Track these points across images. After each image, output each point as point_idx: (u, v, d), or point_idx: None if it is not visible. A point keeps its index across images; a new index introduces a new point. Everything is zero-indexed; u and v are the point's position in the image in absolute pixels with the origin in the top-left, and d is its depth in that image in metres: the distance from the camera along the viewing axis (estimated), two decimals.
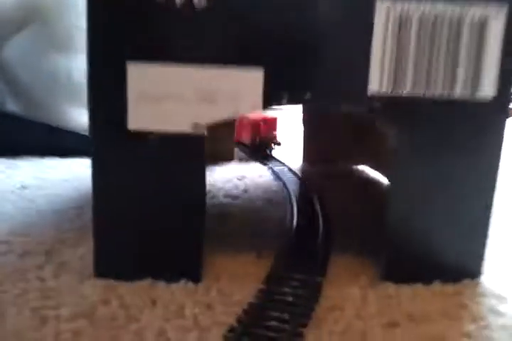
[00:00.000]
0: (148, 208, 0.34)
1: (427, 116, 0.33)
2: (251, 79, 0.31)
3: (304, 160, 0.72)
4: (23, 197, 0.52)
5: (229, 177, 0.63)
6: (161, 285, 0.33)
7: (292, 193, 0.55)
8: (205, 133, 0.32)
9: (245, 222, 0.47)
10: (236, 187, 0.58)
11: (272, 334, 0.28)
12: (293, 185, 0.59)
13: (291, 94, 0.32)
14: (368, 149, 0.67)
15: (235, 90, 0.32)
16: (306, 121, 0.72)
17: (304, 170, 0.68)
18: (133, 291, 0.32)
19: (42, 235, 0.41)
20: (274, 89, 0.32)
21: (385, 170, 0.60)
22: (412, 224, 0.35)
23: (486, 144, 0.33)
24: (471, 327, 0.30)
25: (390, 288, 0.34)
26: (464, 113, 0.33)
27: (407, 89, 0.32)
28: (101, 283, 0.33)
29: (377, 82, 0.32)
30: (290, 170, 0.67)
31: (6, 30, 0.78)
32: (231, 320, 0.29)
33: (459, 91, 0.32)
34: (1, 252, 0.38)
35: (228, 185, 0.59)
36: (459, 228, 0.35)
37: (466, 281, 0.35)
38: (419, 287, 0.34)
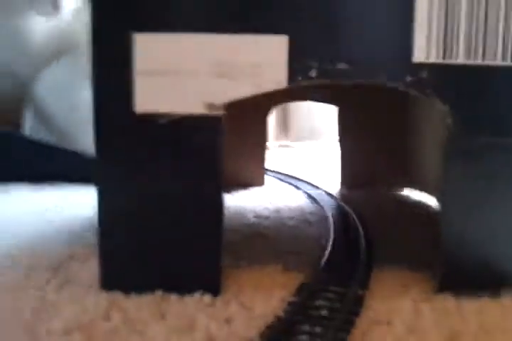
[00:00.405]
0: (159, 209, 0.30)
1: (484, 89, 0.28)
2: (274, 49, 0.28)
3: (341, 184, 0.68)
4: (44, 218, 0.50)
5: (260, 200, 0.59)
6: (173, 298, 0.28)
7: (328, 212, 0.50)
8: (223, 114, 0.28)
9: (276, 239, 0.42)
10: (267, 208, 0.54)
11: None
12: (329, 206, 0.54)
13: (321, 65, 0.28)
14: (412, 170, 0.62)
15: (255, 62, 0.28)
16: (343, 142, 0.68)
17: (342, 194, 0.63)
18: (140, 305, 0.28)
19: (52, 251, 0.38)
20: (300, 60, 0.28)
21: (432, 189, 0.55)
22: (469, 228, 0.29)
23: None
24: None
25: (449, 300, 0.28)
26: None
27: (459, 58, 0.28)
28: (106, 296, 0.29)
29: (423, 49, 0.27)
30: (326, 193, 0.62)
31: (38, 61, 0.80)
32: (252, 335, 0.24)
33: None
34: (7, 266, 0.35)
35: (259, 208, 0.54)
36: None
37: None
38: (485, 300, 0.28)
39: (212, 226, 0.30)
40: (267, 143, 0.70)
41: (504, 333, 0.24)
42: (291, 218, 0.49)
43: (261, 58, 0.28)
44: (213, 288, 0.29)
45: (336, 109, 0.67)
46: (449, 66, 0.28)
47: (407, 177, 0.64)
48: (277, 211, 0.52)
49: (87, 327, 0.25)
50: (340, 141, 0.67)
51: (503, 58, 0.27)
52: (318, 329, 0.24)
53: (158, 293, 0.29)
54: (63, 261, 0.36)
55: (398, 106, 0.63)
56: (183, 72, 0.28)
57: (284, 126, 1.37)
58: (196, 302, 0.28)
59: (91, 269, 0.33)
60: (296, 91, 0.65)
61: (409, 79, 0.28)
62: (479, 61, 0.27)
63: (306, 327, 0.25)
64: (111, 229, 0.30)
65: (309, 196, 0.61)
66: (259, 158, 0.69)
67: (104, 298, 0.28)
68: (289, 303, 0.27)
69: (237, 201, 0.58)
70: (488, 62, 0.27)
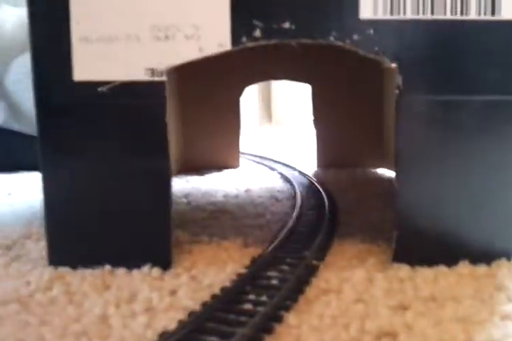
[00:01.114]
0: (104, 183, 0.29)
1: (433, 45, 0.27)
2: (215, 9, 0.26)
3: (317, 165, 0.67)
4: (5, 202, 0.48)
5: (232, 181, 0.58)
6: (121, 272, 0.28)
7: (298, 190, 0.49)
8: (165, 79, 0.27)
9: (240, 216, 0.41)
10: (237, 188, 0.53)
11: (243, 318, 0.22)
12: (301, 185, 0.53)
13: (266, 24, 0.26)
14: (386, 149, 0.61)
15: (197, 24, 0.26)
16: (317, 122, 0.67)
17: (316, 173, 0.63)
18: (84, 278, 0.27)
19: (7, 231, 0.37)
20: (243, 20, 0.26)
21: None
22: (426, 196, 0.28)
23: None
24: (509, 308, 0.23)
25: (404, 270, 0.27)
26: (481, 39, 0.27)
27: (407, 13, 0.26)
28: (51, 271, 0.28)
29: (369, 6, 0.26)
30: (301, 173, 0.61)
31: (8, 52, 0.79)
32: (195, 306, 0.23)
33: (474, 13, 0.26)
34: None
35: (229, 188, 0.54)
36: (489, 202, 0.28)
37: (501, 261, 0.28)
38: (441, 269, 0.27)
39: (161, 200, 0.29)
40: (244, 126, 0.69)
41: (455, 301, 0.23)
42: (260, 196, 0.48)
43: (202, 20, 0.27)
44: (163, 262, 0.28)
45: (310, 87, 0.66)
46: (396, 22, 0.26)
47: (382, 157, 0.63)
48: (247, 190, 0.51)
49: (25, 299, 0.24)
50: (315, 120, 0.66)
51: (452, 12, 0.26)
52: (264, 298, 0.24)
53: (107, 267, 0.28)
54: (17, 240, 0.35)
55: (374, 85, 0.62)
56: (122, 37, 0.27)
57: (267, 112, 1.35)
58: (144, 275, 0.27)
59: (44, 248, 0.32)
60: (267, 70, 0.64)
61: (356, 37, 0.27)
62: (428, 16, 0.26)
63: (252, 296, 0.24)
64: (56, 206, 0.29)
65: (283, 176, 0.61)
66: (233, 140, 0.67)
67: (49, 272, 0.27)
68: (239, 275, 0.27)
69: (208, 182, 0.57)
70: (437, 16, 0.26)
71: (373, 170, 0.63)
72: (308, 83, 0.65)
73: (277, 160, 0.74)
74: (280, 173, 0.63)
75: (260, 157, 0.78)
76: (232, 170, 0.66)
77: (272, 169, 0.67)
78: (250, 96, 1.25)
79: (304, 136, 0.97)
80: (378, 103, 0.63)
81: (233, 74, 0.62)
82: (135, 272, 0.28)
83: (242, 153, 0.72)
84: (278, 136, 1.17)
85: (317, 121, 0.66)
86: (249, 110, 1.21)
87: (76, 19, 0.27)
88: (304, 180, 0.57)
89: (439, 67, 0.27)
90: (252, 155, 0.79)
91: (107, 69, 0.27)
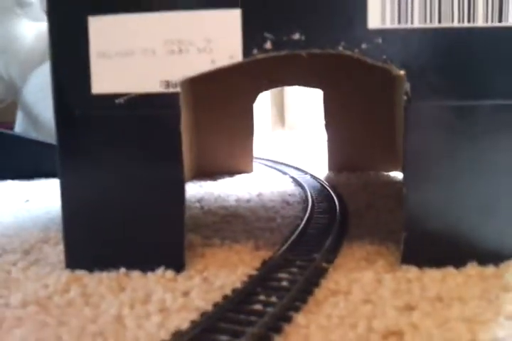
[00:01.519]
0: (121, 190, 0.30)
1: (442, 54, 0.27)
2: (226, 23, 0.27)
3: (329, 169, 0.67)
4: (23, 208, 0.50)
5: (244, 186, 0.59)
6: (136, 274, 0.28)
7: (309, 194, 0.50)
8: (179, 91, 0.28)
9: (252, 220, 0.42)
10: (249, 193, 0.54)
11: (253, 318, 0.23)
12: (312, 189, 0.54)
13: (276, 37, 0.27)
14: (396, 153, 0.61)
15: (208, 38, 0.27)
16: (329, 126, 0.67)
17: (328, 177, 0.63)
18: (100, 281, 0.28)
19: (26, 236, 0.38)
20: (255, 33, 0.27)
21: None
22: (434, 199, 0.29)
23: None
24: None
25: (412, 271, 0.28)
26: (489, 45, 0.27)
27: (415, 22, 0.27)
28: (69, 274, 0.29)
29: (378, 15, 0.27)
30: (313, 177, 0.62)
31: (28, 65, 0.81)
32: (207, 306, 0.24)
33: (481, 21, 0.27)
34: None
35: (242, 193, 0.54)
36: (497, 203, 0.29)
37: (509, 262, 0.28)
38: (449, 270, 0.28)
39: (174, 205, 0.29)
40: (257, 131, 0.70)
41: (461, 301, 0.24)
42: (272, 200, 0.49)
43: (214, 33, 0.27)
44: (177, 264, 0.29)
45: (322, 93, 0.66)
46: (404, 31, 0.27)
47: (393, 160, 0.63)
48: (259, 195, 0.52)
49: (44, 301, 0.25)
50: (326, 125, 0.67)
51: (459, 20, 0.27)
52: (273, 299, 0.24)
53: (122, 270, 0.29)
54: (35, 244, 0.36)
55: (384, 90, 0.63)
56: (137, 52, 0.28)
57: (281, 116, 1.36)
58: (158, 277, 0.28)
59: (61, 252, 0.33)
60: (280, 77, 0.65)
61: (364, 46, 0.27)
62: (435, 24, 0.27)
63: (262, 297, 0.25)
64: (73, 211, 0.30)
65: (295, 180, 0.61)
66: (247, 146, 0.68)
67: (66, 275, 0.28)
68: (249, 276, 0.27)
69: (221, 187, 0.58)
70: (445, 24, 0.27)
71: (385, 174, 0.64)
72: (320, 88, 0.66)
73: (290, 164, 0.74)
74: (292, 177, 0.64)
75: (273, 161, 0.79)
76: (245, 175, 0.67)
77: (284, 173, 0.68)
78: (263, 102, 1.26)
79: (317, 140, 0.98)
80: (389, 107, 0.63)
81: (247, 82, 0.63)
82: (149, 274, 0.28)
83: (256, 158, 0.73)
84: (291, 141, 1.18)
85: (329, 125, 0.66)
86: (262, 115, 1.22)
87: (94, 35, 0.28)
88: (316, 184, 0.57)
89: (446, 74, 0.28)
90: (265, 159, 0.80)
91: (123, 82, 0.29)
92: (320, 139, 0.91)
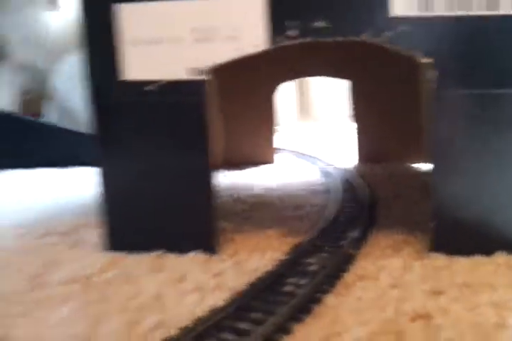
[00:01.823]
0: (155, 177, 0.31)
1: (466, 41, 0.27)
2: (250, 11, 0.28)
3: (358, 159, 0.68)
4: (61, 195, 0.52)
5: (270, 176, 0.60)
6: (171, 256, 0.30)
7: (338, 184, 0.50)
8: (206, 78, 0.29)
9: (280, 208, 0.43)
10: (276, 182, 0.54)
11: (285, 298, 0.24)
12: (341, 179, 0.54)
13: (300, 24, 0.28)
14: (424, 143, 0.61)
15: (234, 26, 0.28)
16: (358, 118, 0.67)
17: (357, 168, 0.63)
18: (139, 262, 0.29)
19: (66, 220, 0.40)
20: (278, 20, 0.28)
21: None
22: (462, 188, 0.29)
23: None
24: None
25: (441, 258, 0.28)
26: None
27: (440, 9, 0.27)
28: (109, 254, 0.30)
29: (403, 3, 0.27)
30: (340, 168, 0.62)
31: (55, 54, 0.83)
32: (240, 287, 0.25)
33: (504, 8, 0.27)
34: (23, 233, 0.37)
35: (268, 182, 0.55)
36: None
37: None
38: (478, 258, 0.28)
39: (204, 192, 0.31)
40: (282, 122, 0.71)
41: (490, 288, 0.24)
42: (300, 189, 0.50)
43: (239, 21, 0.28)
44: (209, 248, 0.30)
45: (348, 83, 0.66)
46: (428, 18, 0.27)
47: (420, 151, 0.63)
48: (286, 184, 0.53)
49: (85, 279, 0.27)
50: (354, 116, 0.67)
51: (483, 7, 0.27)
52: (303, 281, 0.25)
53: (158, 252, 0.30)
54: (75, 228, 0.38)
55: (411, 80, 0.63)
56: (166, 40, 0.29)
57: (306, 107, 1.36)
58: (192, 259, 0.29)
59: (98, 235, 0.35)
60: (304, 67, 0.65)
61: (390, 33, 0.27)
62: (459, 11, 0.27)
63: (293, 280, 0.26)
64: (112, 196, 0.31)
65: (323, 171, 0.62)
66: (267, 136, 0.69)
67: (105, 256, 0.30)
68: (281, 260, 0.28)
69: (246, 176, 0.59)
70: (469, 12, 0.27)
71: (414, 165, 0.64)
72: (348, 79, 0.66)
73: (316, 155, 0.75)
74: (320, 168, 0.64)
75: (300, 153, 0.79)
76: (270, 165, 0.68)
77: (312, 163, 0.68)
78: (289, 92, 1.26)
79: (343, 131, 0.98)
80: (416, 98, 0.63)
81: (270, 72, 0.63)
82: (184, 257, 0.30)
83: (282, 149, 0.74)
84: (316, 132, 1.18)
85: (357, 116, 0.66)
86: (287, 106, 1.22)
87: (125, 23, 0.29)
88: (344, 174, 0.58)
89: (472, 62, 0.28)
90: (291, 151, 0.81)
91: (153, 69, 0.30)
92: (345, 130, 0.91)
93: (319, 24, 0.28)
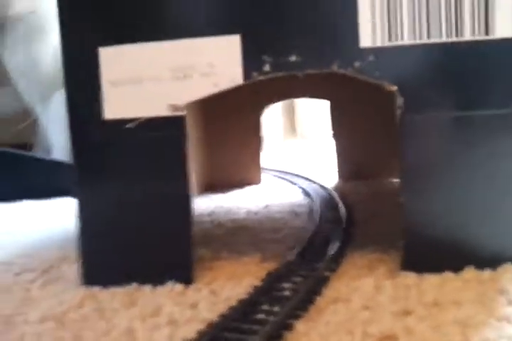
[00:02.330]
0: (131, 209, 0.31)
1: (433, 68, 0.28)
2: (227, 48, 0.29)
3: (339, 178, 0.68)
4: (43, 227, 0.52)
5: (253, 197, 0.60)
6: (147, 289, 0.30)
7: (317, 205, 0.51)
8: (185, 114, 0.30)
9: (259, 232, 0.43)
10: (257, 205, 0.55)
11: (256, 327, 0.24)
12: (320, 199, 0.55)
13: (274, 59, 0.29)
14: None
15: (210, 63, 0.29)
16: (336, 136, 0.68)
17: (337, 186, 0.64)
18: (113, 296, 0.29)
19: (45, 255, 0.40)
20: (253, 56, 0.29)
21: None
22: (432, 207, 0.30)
23: None
24: (507, 311, 0.24)
25: (411, 277, 0.29)
26: (478, 58, 0.28)
27: (404, 39, 0.28)
28: (84, 290, 0.31)
29: (369, 34, 0.28)
30: (321, 187, 0.63)
31: (47, 88, 0.84)
32: (214, 317, 0.25)
33: (468, 34, 0.28)
34: (1, 269, 0.37)
35: (249, 205, 0.56)
36: (495, 210, 0.29)
37: (506, 266, 0.29)
38: (448, 275, 0.29)
39: (182, 222, 0.31)
40: (269, 141, 0.72)
41: (457, 305, 0.25)
42: (279, 212, 0.50)
43: (216, 58, 0.29)
44: (185, 278, 0.31)
45: (328, 103, 0.68)
46: (395, 48, 0.28)
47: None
48: (267, 206, 0.53)
49: (60, 316, 0.27)
50: (334, 134, 0.68)
51: (448, 35, 0.28)
52: (276, 308, 0.25)
53: (134, 285, 0.31)
54: (54, 263, 0.38)
55: (390, 100, 0.64)
56: (145, 79, 0.30)
57: (292, 126, 1.38)
58: (168, 291, 0.29)
59: (77, 270, 0.35)
60: (287, 90, 0.66)
61: (357, 64, 0.29)
62: (424, 40, 0.28)
63: (266, 307, 0.26)
64: (88, 229, 0.32)
65: (304, 191, 0.62)
66: (254, 158, 0.70)
67: (81, 291, 0.30)
68: (255, 287, 0.29)
69: (230, 199, 0.59)
70: (434, 40, 0.28)
71: (393, 182, 0.64)
72: (327, 99, 0.68)
73: (299, 174, 0.76)
74: (301, 187, 0.65)
75: (283, 172, 0.80)
76: (255, 186, 0.68)
77: (294, 183, 0.69)
78: (275, 112, 1.28)
79: (328, 149, 0.99)
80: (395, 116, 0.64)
81: (255, 95, 0.64)
82: (159, 288, 0.30)
83: (266, 169, 0.74)
84: (302, 150, 1.19)
85: (336, 135, 0.68)
86: (273, 125, 1.24)
87: (105, 64, 0.30)
88: (324, 193, 0.58)
89: (438, 87, 0.29)
90: (274, 170, 0.81)
91: (133, 108, 0.31)
92: (330, 148, 0.92)
93: (292, 58, 0.29)
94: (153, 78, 0.30)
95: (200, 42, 0.30)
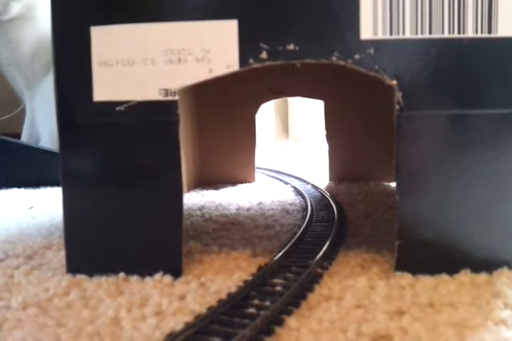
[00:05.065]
0: (120, 196, 0.30)
1: (433, 64, 0.28)
2: (223, 33, 0.28)
3: (330, 179, 0.68)
4: (28, 215, 0.51)
5: (246, 195, 0.59)
6: (135, 279, 0.29)
7: (309, 203, 0.50)
8: (178, 99, 0.29)
9: (251, 228, 0.42)
10: (250, 201, 0.54)
11: (246, 321, 0.23)
12: (313, 199, 0.54)
13: (271, 47, 0.28)
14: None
15: (206, 48, 0.28)
16: (329, 138, 0.68)
17: (329, 187, 0.64)
18: (100, 284, 0.28)
19: (29, 242, 0.39)
20: (250, 43, 0.28)
21: None
22: (427, 208, 0.29)
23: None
24: (504, 314, 0.23)
25: (405, 277, 0.28)
26: (479, 56, 0.28)
27: (406, 33, 0.28)
28: (70, 278, 0.30)
29: (370, 27, 0.28)
30: (314, 187, 0.62)
31: (32, 73, 0.83)
32: (202, 310, 0.24)
33: (471, 32, 0.28)
34: None
35: (242, 202, 0.55)
36: (490, 212, 0.29)
37: (502, 270, 0.29)
38: (443, 277, 0.28)
39: (173, 213, 0.30)
40: (262, 143, 0.71)
41: (452, 307, 0.24)
42: (272, 209, 0.50)
43: (211, 43, 0.28)
44: (174, 270, 0.30)
45: (322, 103, 0.67)
46: (395, 41, 0.28)
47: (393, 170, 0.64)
48: (259, 203, 0.53)
49: (44, 303, 0.26)
50: (327, 135, 0.68)
51: (450, 31, 0.28)
52: (267, 303, 0.25)
53: (121, 275, 0.30)
54: (38, 250, 0.37)
55: (384, 100, 0.63)
56: (138, 61, 0.29)
57: (285, 127, 1.37)
58: (156, 282, 0.29)
59: (63, 257, 0.34)
60: (281, 87, 0.65)
61: (357, 56, 0.28)
62: (426, 35, 0.28)
63: (257, 301, 0.25)
64: (74, 218, 0.31)
65: (296, 190, 0.62)
66: (249, 156, 0.69)
67: (67, 279, 0.29)
68: (245, 282, 0.28)
69: (223, 196, 0.58)
70: (435, 35, 0.28)
71: (385, 184, 0.64)
72: (321, 99, 0.67)
73: (292, 174, 0.75)
74: (293, 187, 0.64)
75: (276, 171, 0.80)
76: (247, 184, 0.67)
77: (286, 183, 0.68)
78: (268, 113, 1.27)
79: (321, 150, 0.99)
80: (389, 117, 0.64)
81: (248, 92, 0.64)
82: (148, 279, 0.29)
83: (259, 168, 0.74)
84: (295, 152, 1.18)
85: (330, 136, 0.67)
86: (267, 126, 1.23)
87: (96, 45, 0.29)
88: (317, 194, 0.58)
89: (437, 84, 0.29)
90: (268, 170, 0.81)
91: (124, 90, 0.30)
92: (323, 149, 0.92)
93: (289, 47, 0.28)
94: (146, 60, 0.29)
95: (196, 26, 0.29)
